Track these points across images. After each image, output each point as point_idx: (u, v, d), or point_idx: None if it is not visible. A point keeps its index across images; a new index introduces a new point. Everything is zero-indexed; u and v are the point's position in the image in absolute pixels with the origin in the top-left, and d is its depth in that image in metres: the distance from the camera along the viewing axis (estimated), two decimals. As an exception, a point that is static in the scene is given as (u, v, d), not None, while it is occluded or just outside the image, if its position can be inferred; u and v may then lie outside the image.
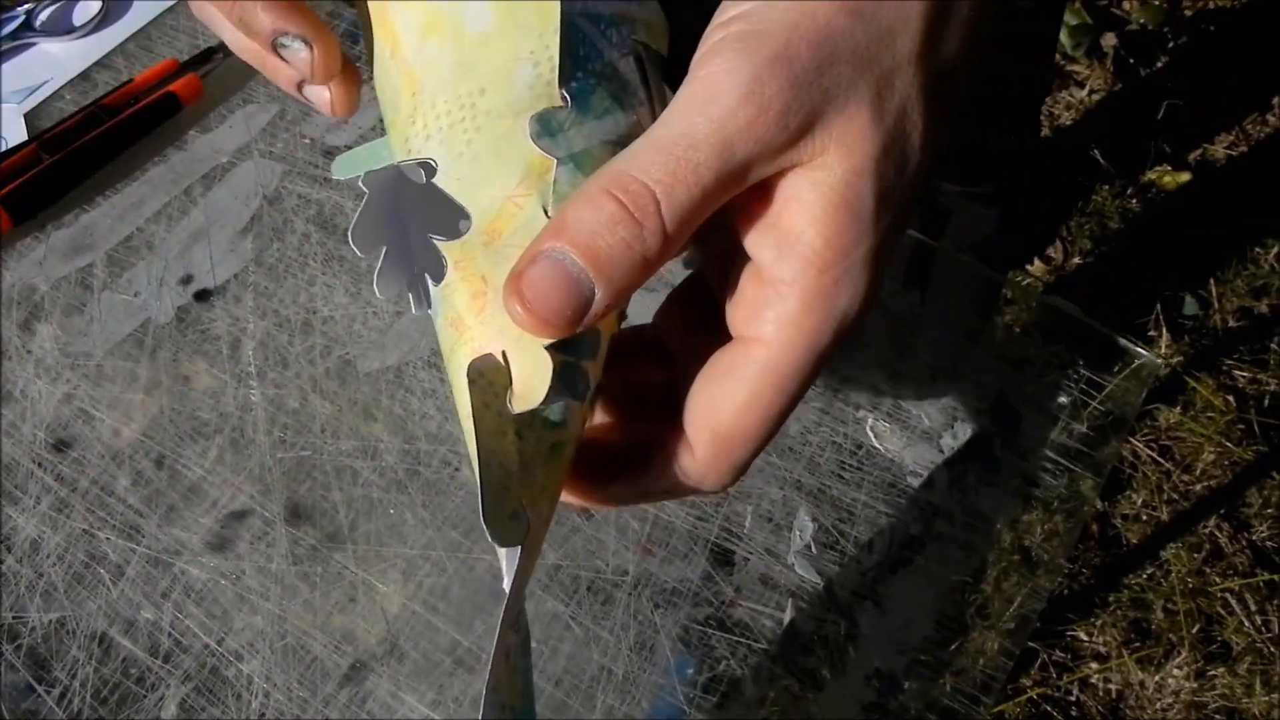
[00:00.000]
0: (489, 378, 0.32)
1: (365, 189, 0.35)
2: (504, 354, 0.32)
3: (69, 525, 0.57)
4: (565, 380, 0.33)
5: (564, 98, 0.33)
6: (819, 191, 0.30)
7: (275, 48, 0.35)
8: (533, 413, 0.32)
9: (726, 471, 0.33)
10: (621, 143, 0.32)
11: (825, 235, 0.30)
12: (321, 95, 0.37)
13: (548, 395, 0.32)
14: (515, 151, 0.33)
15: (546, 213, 0.33)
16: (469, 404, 0.31)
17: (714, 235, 0.34)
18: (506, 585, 0.33)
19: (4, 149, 0.70)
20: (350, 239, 0.35)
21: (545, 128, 0.33)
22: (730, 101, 0.29)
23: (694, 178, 0.29)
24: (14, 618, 0.54)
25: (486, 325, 0.33)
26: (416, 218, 0.34)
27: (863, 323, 0.31)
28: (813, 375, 0.31)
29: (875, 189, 0.30)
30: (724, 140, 0.29)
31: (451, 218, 0.33)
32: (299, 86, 0.37)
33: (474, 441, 0.31)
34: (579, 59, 0.33)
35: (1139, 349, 0.60)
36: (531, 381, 0.32)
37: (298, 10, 0.35)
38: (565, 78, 0.33)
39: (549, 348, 0.32)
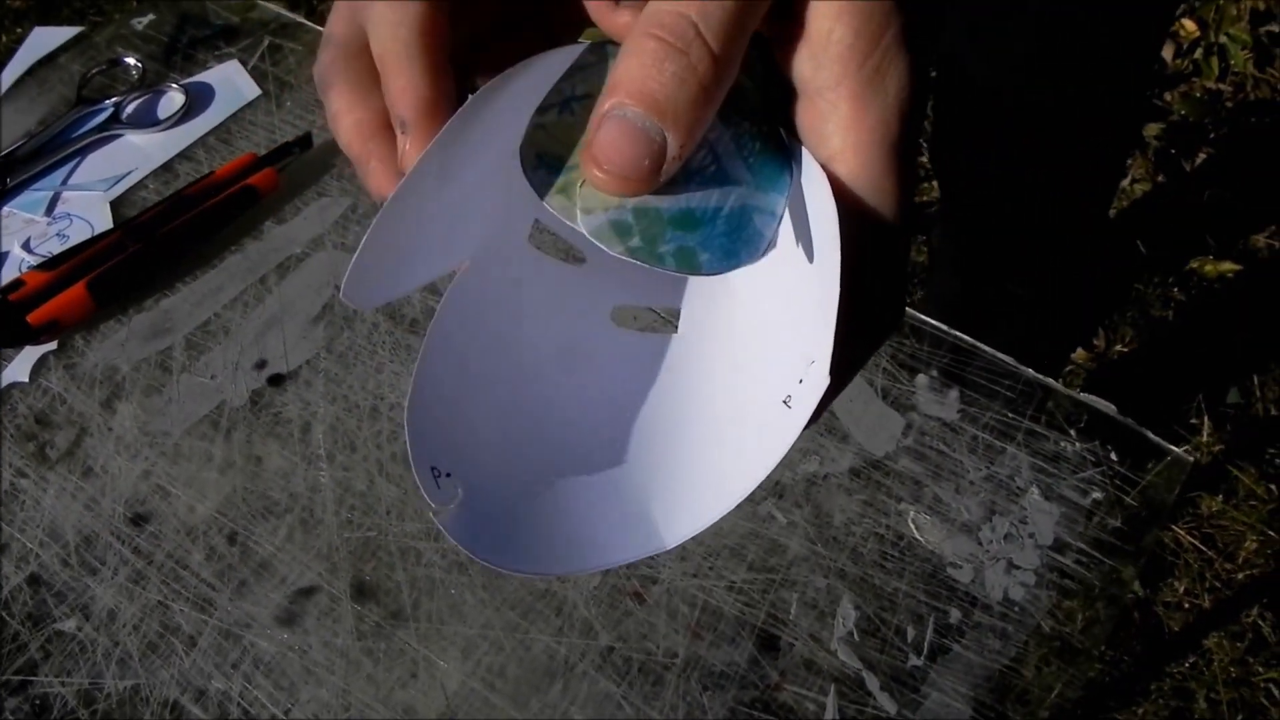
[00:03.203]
0: None
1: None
2: None
3: (145, 596, 0.60)
4: None
5: None
6: None
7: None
8: None
9: None
10: None
11: (854, 26, 0.29)
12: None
13: None
14: None
15: None
16: None
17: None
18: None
19: (92, 235, 0.74)
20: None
21: None
22: None
23: None
24: (90, 684, 0.57)
25: None
26: None
27: (917, 101, 0.30)
28: (899, 169, 0.31)
29: None
30: None
31: None
32: None
33: None
34: None
35: (1171, 446, 0.62)
36: None
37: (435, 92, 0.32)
38: None
39: None
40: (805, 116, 0.31)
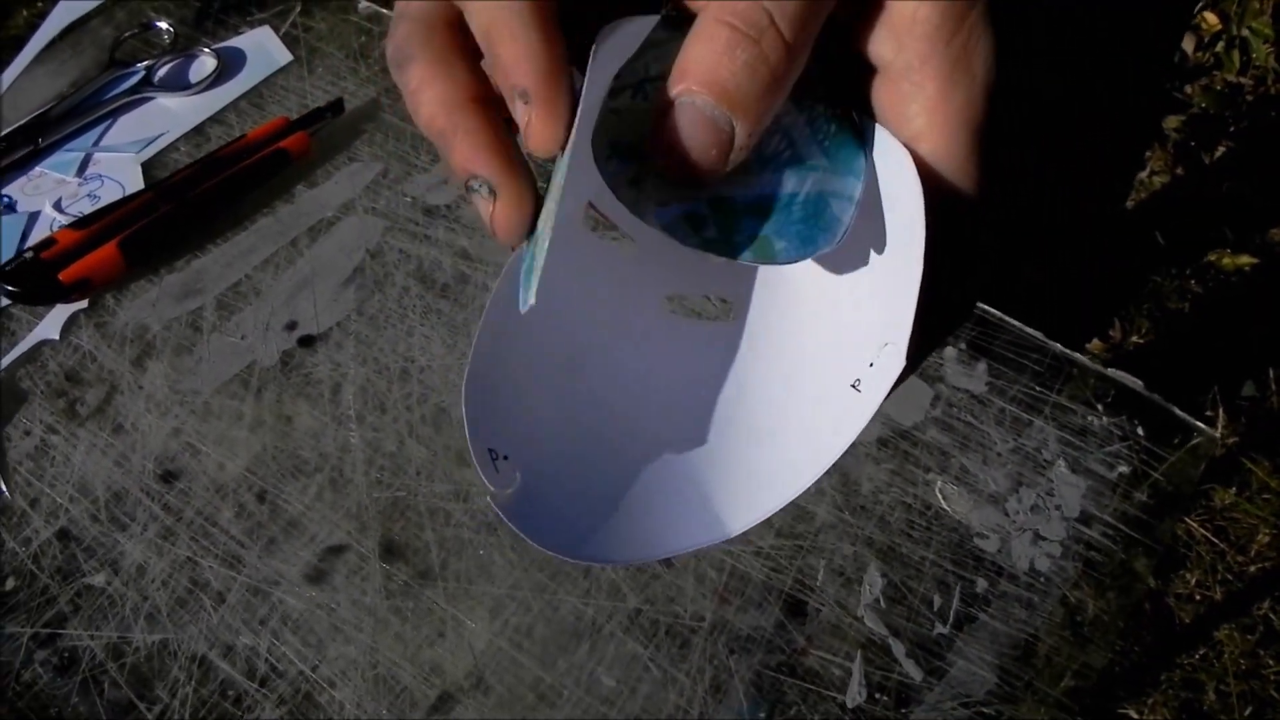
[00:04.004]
0: None
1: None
2: None
3: (174, 552, 0.60)
4: None
5: None
6: None
7: (467, 190, 0.32)
8: None
9: None
10: None
11: (940, 5, 0.29)
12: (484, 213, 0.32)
13: None
14: None
15: None
16: None
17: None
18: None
19: (123, 196, 0.74)
20: None
21: None
22: None
23: None
24: (119, 637, 0.57)
25: None
26: None
27: (998, 80, 0.30)
28: (982, 151, 0.30)
29: None
30: None
31: None
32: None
33: None
34: None
35: (1198, 423, 0.62)
36: None
37: (492, 151, 0.31)
38: None
39: None
40: (885, 97, 0.31)
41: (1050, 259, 1.08)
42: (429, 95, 0.32)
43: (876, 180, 0.30)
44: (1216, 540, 1.51)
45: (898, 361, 0.28)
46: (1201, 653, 1.44)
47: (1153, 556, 0.58)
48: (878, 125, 0.31)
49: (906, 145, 0.30)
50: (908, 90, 0.30)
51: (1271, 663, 1.42)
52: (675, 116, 0.28)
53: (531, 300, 0.29)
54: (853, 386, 0.30)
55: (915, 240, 0.28)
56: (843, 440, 0.30)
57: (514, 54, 0.29)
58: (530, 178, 0.31)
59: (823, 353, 0.33)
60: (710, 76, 0.28)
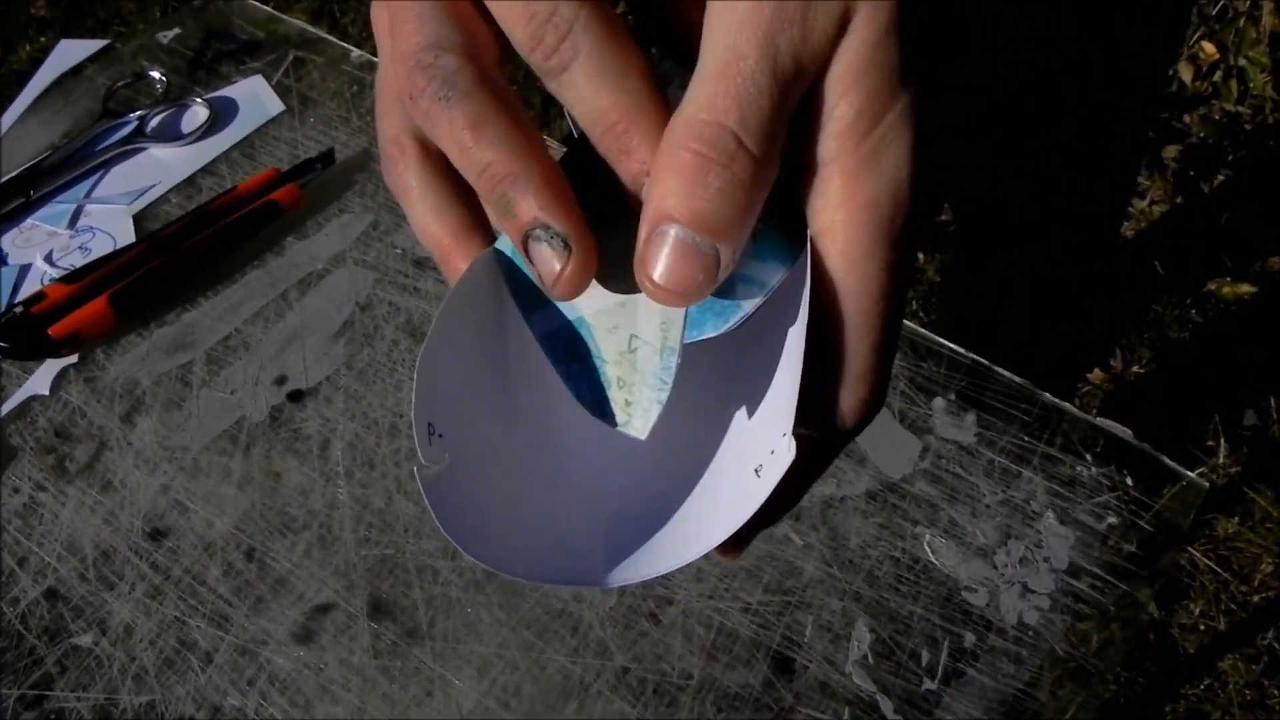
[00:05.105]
0: None
1: None
2: None
3: (162, 612, 0.60)
4: None
5: None
6: (845, 60, 0.28)
7: (526, 239, 0.30)
8: None
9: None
10: None
11: (857, 104, 0.29)
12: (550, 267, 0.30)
13: None
14: None
15: None
16: None
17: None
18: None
19: (114, 248, 0.75)
20: None
21: None
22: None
23: (755, 89, 0.27)
24: (105, 699, 0.57)
25: None
26: None
27: (917, 182, 0.30)
28: (886, 250, 0.30)
29: (901, 45, 0.29)
30: (765, 35, 0.27)
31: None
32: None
33: None
34: None
35: (1186, 471, 0.62)
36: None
37: (570, 204, 0.30)
38: None
39: None
40: (804, 190, 0.30)
41: (1019, 255, 1.08)
42: (491, 136, 0.30)
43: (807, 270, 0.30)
44: (1220, 570, 1.50)
45: (788, 455, 0.28)
46: (1206, 683, 1.43)
47: (1145, 604, 0.58)
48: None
49: (814, 239, 0.30)
50: (819, 184, 0.30)
51: (1276, 693, 1.41)
52: (658, 246, 0.28)
53: (644, 436, 0.31)
54: (755, 471, 0.30)
55: (799, 336, 0.29)
56: (734, 522, 0.30)
57: (655, 143, 0.29)
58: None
59: (739, 433, 0.34)
60: (686, 208, 0.27)
